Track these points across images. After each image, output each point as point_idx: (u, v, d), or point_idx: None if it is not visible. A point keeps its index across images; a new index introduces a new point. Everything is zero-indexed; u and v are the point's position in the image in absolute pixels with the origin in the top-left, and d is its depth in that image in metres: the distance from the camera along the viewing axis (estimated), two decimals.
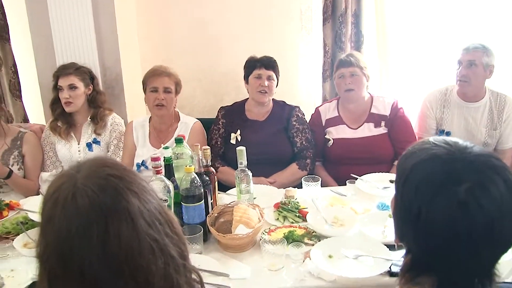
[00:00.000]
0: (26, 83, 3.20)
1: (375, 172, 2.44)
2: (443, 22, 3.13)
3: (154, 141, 2.65)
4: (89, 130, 2.74)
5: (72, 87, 2.64)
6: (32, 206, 2.22)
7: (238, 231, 1.77)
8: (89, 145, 2.72)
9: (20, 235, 1.92)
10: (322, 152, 2.76)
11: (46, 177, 2.73)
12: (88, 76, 2.72)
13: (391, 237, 1.80)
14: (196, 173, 1.87)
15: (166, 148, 1.91)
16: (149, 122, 2.70)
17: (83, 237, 0.77)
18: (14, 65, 3.10)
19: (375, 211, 2.08)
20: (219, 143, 2.71)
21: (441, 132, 2.74)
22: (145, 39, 3.33)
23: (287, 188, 2.33)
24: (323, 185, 2.43)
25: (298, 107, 2.77)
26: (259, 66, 2.64)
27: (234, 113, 2.76)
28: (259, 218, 1.87)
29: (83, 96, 2.69)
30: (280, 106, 2.76)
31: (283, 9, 3.29)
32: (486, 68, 2.55)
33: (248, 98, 2.81)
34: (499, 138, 2.69)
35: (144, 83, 2.61)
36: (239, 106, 2.79)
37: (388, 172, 2.54)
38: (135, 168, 2.62)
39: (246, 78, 2.73)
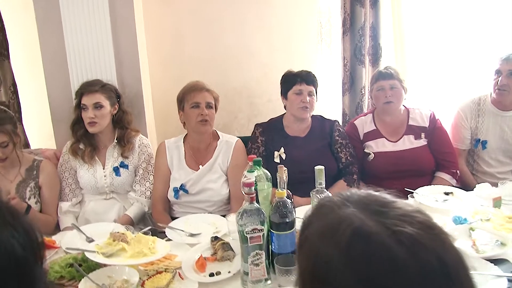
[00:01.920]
0: (24, 104, 2.86)
1: (418, 184, 2.38)
2: (461, 33, 3.17)
3: (191, 162, 2.45)
4: (115, 153, 2.48)
5: (97, 105, 2.38)
6: (72, 243, 1.95)
7: None
8: (116, 170, 2.45)
9: (82, 280, 1.65)
10: (360, 167, 2.67)
11: (67, 207, 2.45)
12: (114, 94, 2.47)
13: (486, 251, 1.73)
14: None
15: (251, 171, 1.73)
16: (183, 142, 2.49)
17: None
18: (14, 84, 2.75)
19: (453, 226, 2.00)
20: None
21: (477, 141, 2.74)
22: (154, 54, 3.09)
23: None
24: None
25: (337, 121, 2.67)
26: (300, 81, 2.52)
27: (272, 130, 2.61)
28: None
29: (109, 116, 2.44)
30: (319, 121, 2.65)
31: (302, 22, 3.19)
32: None
33: (284, 114, 2.67)
34: None
35: (182, 100, 2.41)
36: (277, 122, 2.65)
37: (430, 183, 2.51)
38: (172, 193, 2.40)
39: (284, 93, 2.59)
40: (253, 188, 1.59)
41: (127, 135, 2.48)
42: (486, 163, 2.77)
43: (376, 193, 0.76)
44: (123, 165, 2.46)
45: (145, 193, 2.47)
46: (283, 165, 1.79)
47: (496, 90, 2.64)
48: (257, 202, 1.71)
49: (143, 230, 2.02)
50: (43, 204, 2.38)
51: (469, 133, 2.77)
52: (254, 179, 1.65)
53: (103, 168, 2.46)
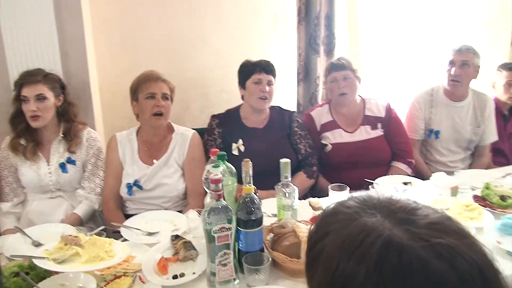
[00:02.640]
0: None
1: (375, 175, 2.40)
2: (414, 24, 3.23)
3: (145, 157, 2.31)
4: (60, 148, 2.29)
5: (40, 97, 2.18)
6: (16, 249, 1.77)
7: None
8: (62, 166, 2.27)
9: None
10: (318, 158, 2.64)
11: (7, 208, 2.25)
12: (58, 84, 2.27)
13: None
14: None
15: (217, 166, 1.64)
16: (136, 135, 2.34)
17: None
18: None
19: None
20: None
21: (430, 131, 2.80)
22: (101, 41, 2.88)
23: (311, 200, 2.17)
24: (323, 193, 2.33)
25: (296, 112, 2.62)
26: (259, 70, 2.44)
27: (230, 121, 2.52)
28: None
29: (53, 109, 2.24)
30: (277, 112, 2.59)
31: (257, 11, 3.10)
32: (476, 69, 2.67)
33: (241, 105, 2.58)
34: (481, 135, 2.82)
35: (136, 89, 2.26)
36: (234, 113, 2.56)
37: (386, 173, 2.53)
38: (125, 190, 2.25)
39: (242, 83, 2.50)
40: (220, 184, 1.49)
41: (74, 128, 2.30)
42: (439, 153, 2.84)
43: (397, 198, 0.70)
44: (70, 160, 2.28)
45: (94, 190, 2.31)
46: (249, 159, 1.70)
47: (450, 81, 2.70)
48: (224, 198, 1.62)
49: (96, 231, 1.88)
50: None
51: (423, 124, 2.82)
52: (221, 175, 1.54)
53: (48, 165, 2.27)
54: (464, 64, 2.64)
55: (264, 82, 2.43)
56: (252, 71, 2.44)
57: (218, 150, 1.80)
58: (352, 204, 0.70)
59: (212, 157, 1.80)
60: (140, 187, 2.24)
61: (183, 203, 2.32)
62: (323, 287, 0.65)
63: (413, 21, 3.24)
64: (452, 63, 2.68)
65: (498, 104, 2.93)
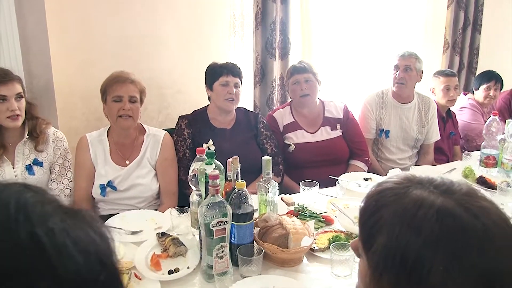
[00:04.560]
0: None
1: (335, 172, 2.59)
2: (365, 30, 3.49)
3: (117, 158, 2.32)
4: (26, 150, 2.23)
5: (19, 96, 2.13)
6: None
7: (304, 242, 1.70)
8: (28, 168, 2.21)
9: None
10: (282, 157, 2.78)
11: None
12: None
13: None
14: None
15: (209, 163, 1.72)
16: (107, 136, 2.34)
17: None
18: None
19: None
20: (187, 155, 2.50)
21: (381, 131, 3.06)
22: (56, 40, 2.82)
23: (283, 196, 2.31)
24: (288, 191, 2.49)
25: (260, 113, 2.75)
26: (226, 73, 2.53)
27: (198, 122, 2.59)
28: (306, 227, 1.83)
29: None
30: (242, 113, 2.70)
31: (215, 13, 3.17)
32: (418, 73, 2.97)
33: (208, 105, 2.66)
34: (426, 134, 3.12)
35: (104, 91, 2.27)
36: (202, 114, 2.63)
37: (345, 171, 2.73)
38: (98, 191, 2.25)
39: (209, 85, 2.59)
40: (217, 180, 1.58)
41: (39, 125, 2.25)
42: (389, 151, 3.10)
43: (434, 176, 0.84)
44: (36, 162, 2.23)
45: (63, 191, 2.28)
46: (237, 157, 1.80)
47: (395, 84, 2.98)
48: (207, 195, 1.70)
49: None
50: None
51: (374, 124, 3.08)
52: (218, 171, 1.63)
53: (13, 168, 2.20)
54: (407, 68, 2.94)
55: (231, 84, 2.53)
56: (220, 73, 2.54)
57: (204, 149, 1.88)
58: (399, 180, 0.83)
59: (198, 155, 1.88)
60: (114, 188, 2.25)
61: (156, 203, 2.35)
62: (385, 251, 0.77)
63: (360, 27, 3.53)
64: (396, 67, 2.98)
65: (438, 107, 3.26)
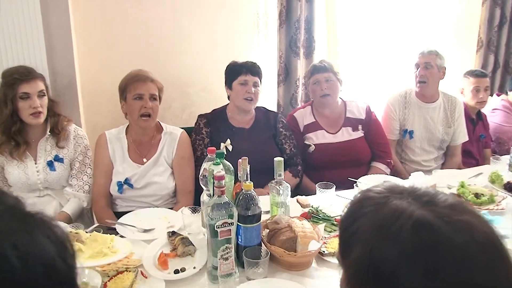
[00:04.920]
0: None
1: (355, 174, 2.53)
2: (390, 29, 3.41)
3: (135, 156, 2.36)
4: (47, 146, 2.30)
5: (42, 94, 2.21)
6: None
7: (312, 247, 1.68)
8: (50, 164, 2.28)
9: None
10: (302, 158, 2.75)
11: None
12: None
13: None
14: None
15: (217, 164, 1.72)
16: (125, 134, 2.38)
17: None
18: None
19: None
20: (205, 154, 2.51)
21: (405, 131, 2.98)
22: (81, 38, 2.89)
23: (299, 197, 2.29)
24: (307, 192, 2.46)
25: (280, 113, 2.73)
26: (245, 72, 2.53)
27: (217, 121, 2.60)
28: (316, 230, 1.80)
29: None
30: (262, 112, 2.69)
31: (239, 11, 3.17)
32: (440, 70, 2.89)
33: (227, 105, 2.67)
34: (452, 135, 3.02)
35: (124, 89, 2.31)
36: (221, 113, 2.64)
37: (366, 173, 2.68)
38: (115, 188, 2.29)
39: (229, 84, 2.59)
40: (223, 181, 1.57)
41: (61, 122, 2.31)
42: (413, 152, 3.02)
43: (418, 186, 0.80)
44: (57, 158, 2.30)
45: (83, 187, 2.34)
46: (247, 157, 1.79)
47: (417, 83, 2.90)
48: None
49: (91, 228, 1.92)
50: None
51: (398, 124, 3.00)
52: (223, 172, 1.63)
53: (35, 163, 2.27)
54: (428, 66, 2.86)
55: (250, 84, 2.52)
56: (239, 72, 2.53)
57: (214, 148, 1.88)
58: (381, 190, 0.81)
59: (209, 155, 1.88)
60: (131, 186, 2.29)
61: (172, 201, 2.38)
62: (359, 263, 0.75)
63: (388, 26, 3.43)
64: (417, 65, 2.90)
65: (467, 109, 3.14)
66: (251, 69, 2.54)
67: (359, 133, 2.77)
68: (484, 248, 0.69)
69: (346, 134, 2.76)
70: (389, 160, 2.79)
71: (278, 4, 3.11)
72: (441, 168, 2.99)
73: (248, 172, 1.78)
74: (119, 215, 2.16)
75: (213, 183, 1.63)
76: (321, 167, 2.72)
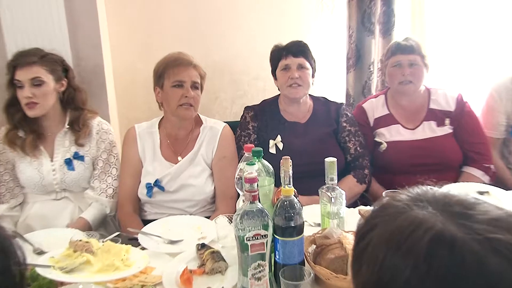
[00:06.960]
0: None
1: (440, 182, 2.39)
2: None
3: (168, 153, 2.40)
4: (66, 142, 2.39)
5: (36, 82, 2.25)
6: None
7: None
8: (68, 162, 2.36)
9: None
10: (371, 159, 2.66)
11: (3, 211, 2.35)
12: (59, 66, 2.35)
13: None
14: None
15: (252, 164, 1.69)
16: (158, 127, 2.43)
17: None
18: None
19: None
20: None
21: None
22: (115, 18, 2.99)
23: (361, 208, 2.20)
24: (376, 200, 2.35)
25: (344, 104, 2.66)
26: (285, 54, 2.53)
27: (266, 114, 2.59)
28: None
29: (54, 95, 2.33)
30: (322, 104, 2.64)
31: None
32: None
33: (279, 95, 2.65)
34: None
35: (161, 74, 2.35)
36: (271, 105, 2.63)
37: (455, 181, 2.53)
38: (144, 191, 2.34)
39: (273, 72, 2.60)
40: (256, 184, 1.54)
41: (83, 117, 2.39)
42: None
43: (456, 193, 0.74)
44: (77, 156, 2.37)
45: (106, 191, 2.40)
46: (289, 157, 1.74)
47: None
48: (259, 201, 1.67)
49: (110, 237, 1.96)
50: None
51: (504, 118, 2.80)
52: (256, 173, 1.60)
53: (51, 161, 2.36)
54: None
55: (293, 67, 2.50)
56: (279, 57, 2.55)
57: (253, 145, 1.85)
58: (403, 197, 0.76)
59: (246, 154, 1.85)
60: (161, 188, 2.32)
61: (211, 208, 2.39)
62: (368, 283, 0.71)
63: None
64: None
65: None
66: (292, 49, 2.53)
67: (446, 129, 2.63)
68: None
69: (428, 130, 2.63)
70: (487, 165, 2.61)
71: None
72: None
73: (291, 175, 1.74)
74: (147, 223, 2.20)
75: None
76: (395, 170, 2.63)
